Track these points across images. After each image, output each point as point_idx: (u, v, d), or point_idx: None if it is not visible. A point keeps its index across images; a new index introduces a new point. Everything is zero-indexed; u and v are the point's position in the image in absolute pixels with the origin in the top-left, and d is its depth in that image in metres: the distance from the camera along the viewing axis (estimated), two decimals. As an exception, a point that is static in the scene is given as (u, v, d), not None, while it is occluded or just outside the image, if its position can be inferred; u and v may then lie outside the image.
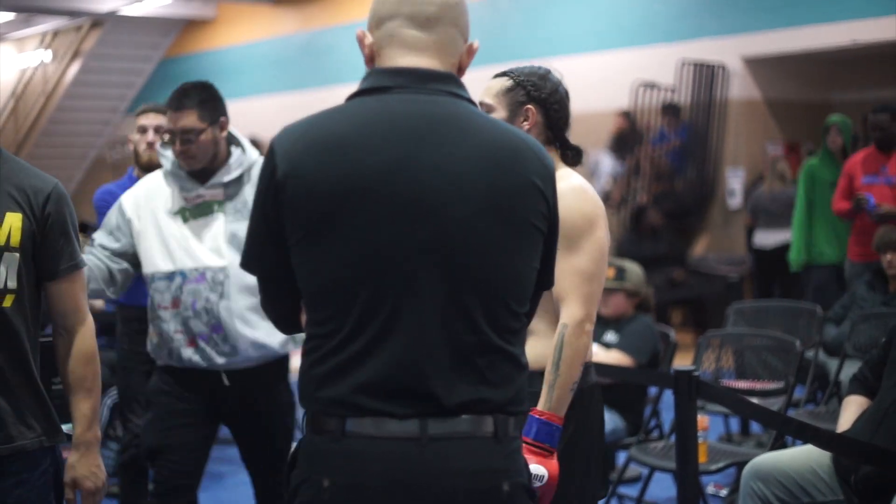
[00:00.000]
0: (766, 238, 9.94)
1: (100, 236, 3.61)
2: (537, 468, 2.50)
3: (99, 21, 17.53)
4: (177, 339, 3.50)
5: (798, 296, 7.91)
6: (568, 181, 2.74)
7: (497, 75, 2.87)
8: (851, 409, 3.66)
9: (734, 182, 10.76)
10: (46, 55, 19.00)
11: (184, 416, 3.59)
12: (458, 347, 1.86)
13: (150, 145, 4.43)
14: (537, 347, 2.63)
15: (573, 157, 2.85)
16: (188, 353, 3.50)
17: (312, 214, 1.86)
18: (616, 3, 11.86)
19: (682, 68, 10.67)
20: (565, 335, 2.62)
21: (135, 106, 18.23)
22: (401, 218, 1.85)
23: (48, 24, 18.42)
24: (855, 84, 11.23)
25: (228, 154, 3.56)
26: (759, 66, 10.88)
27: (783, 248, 9.83)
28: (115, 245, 3.56)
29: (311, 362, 1.89)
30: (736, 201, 10.72)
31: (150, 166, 4.29)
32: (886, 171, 6.76)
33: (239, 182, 3.55)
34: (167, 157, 3.58)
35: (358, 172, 1.85)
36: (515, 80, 2.82)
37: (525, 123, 2.78)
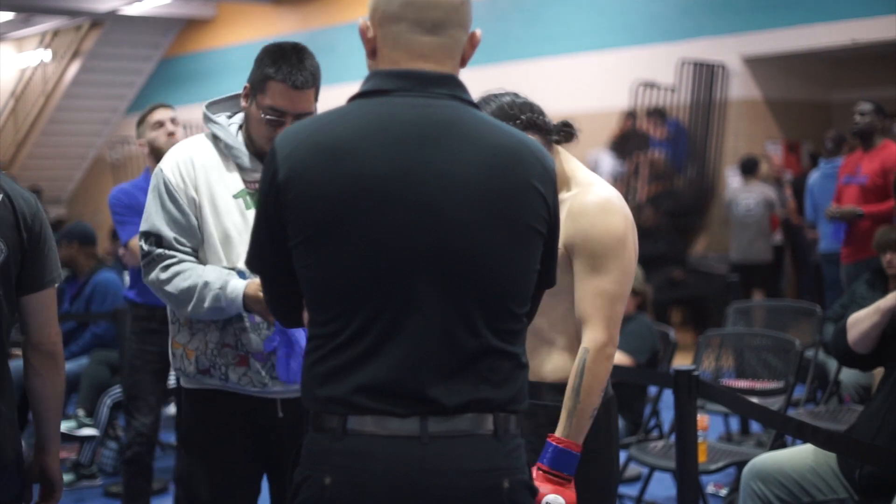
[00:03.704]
0: None
1: (167, 230, 2.77)
2: (554, 498, 2.43)
3: (99, 21, 17.53)
4: (224, 354, 2.77)
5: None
6: (594, 194, 2.57)
7: None
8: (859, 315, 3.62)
9: (734, 182, 10.77)
10: (46, 55, 19.00)
11: (235, 463, 2.85)
12: (458, 352, 1.86)
13: (171, 135, 4.41)
14: (557, 361, 2.60)
15: (566, 134, 2.65)
16: (237, 374, 2.76)
17: (314, 218, 1.85)
18: (616, 3, 11.85)
19: (681, 68, 10.67)
20: (587, 361, 2.50)
21: (135, 106, 18.24)
22: (402, 223, 1.84)
23: (48, 24, 18.43)
24: (855, 84, 11.22)
25: None
26: (759, 65, 10.88)
27: None
28: (194, 242, 2.79)
29: (313, 361, 1.89)
30: (736, 201, 10.74)
31: None
32: (860, 170, 6.79)
33: None
34: (221, 124, 2.87)
35: (360, 177, 1.84)
36: None
37: None
